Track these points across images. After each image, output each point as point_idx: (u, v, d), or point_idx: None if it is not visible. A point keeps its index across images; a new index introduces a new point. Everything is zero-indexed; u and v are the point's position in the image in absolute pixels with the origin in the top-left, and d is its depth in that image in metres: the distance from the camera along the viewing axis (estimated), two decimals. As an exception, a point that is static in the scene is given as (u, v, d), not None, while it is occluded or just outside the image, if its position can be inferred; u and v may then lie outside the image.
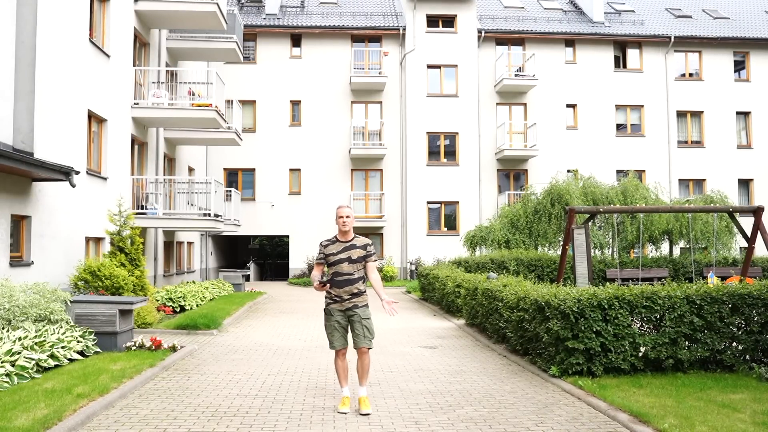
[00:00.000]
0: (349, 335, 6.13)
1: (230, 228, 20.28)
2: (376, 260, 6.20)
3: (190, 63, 20.89)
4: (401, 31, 26.33)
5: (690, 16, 29.41)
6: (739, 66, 28.32)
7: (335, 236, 6.13)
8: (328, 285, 5.89)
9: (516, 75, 26.50)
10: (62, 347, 7.91)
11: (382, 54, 26.04)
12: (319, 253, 6.16)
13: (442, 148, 26.44)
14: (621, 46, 27.91)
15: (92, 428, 5.53)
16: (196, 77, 19.30)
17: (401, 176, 26.25)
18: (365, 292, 6.11)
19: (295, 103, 26.38)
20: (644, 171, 26.99)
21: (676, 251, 22.29)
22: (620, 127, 27.66)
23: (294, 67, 26.30)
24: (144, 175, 16.89)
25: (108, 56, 14.02)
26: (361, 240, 6.13)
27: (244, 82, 25.75)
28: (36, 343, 7.62)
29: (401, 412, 6.07)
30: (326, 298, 6.08)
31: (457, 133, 26.30)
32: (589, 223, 14.58)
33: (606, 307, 7.35)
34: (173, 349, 9.10)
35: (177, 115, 16.31)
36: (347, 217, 6.02)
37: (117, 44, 14.58)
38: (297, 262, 25.80)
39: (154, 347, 9.01)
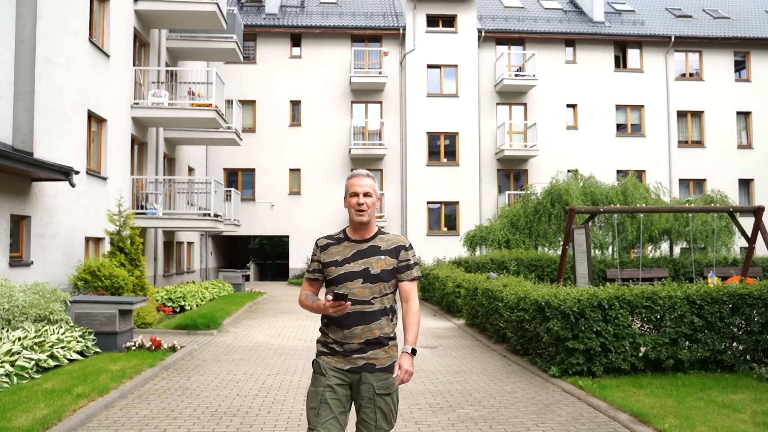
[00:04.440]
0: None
1: (230, 228, 20.27)
2: (419, 277, 3.46)
3: (190, 63, 20.89)
4: (401, 31, 26.32)
5: (690, 16, 29.40)
6: (740, 66, 28.30)
7: (343, 231, 3.43)
8: (348, 303, 3.12)
9: (516, 75, 26.47)
10: (62, 347, 7.90)
11: (382, 54, 26.02)
12: (313, 259, 3.45)
13: (442, 148, 26.42)
14: (621, 46, 27.89)
15: (92, 428, 5.52)
16: (196, 77, 19.28)
17: (401, 176, 26.23)
18: (394, 338, 3.38)
19: (295, 103, 26.37)
20: (644, 171, 26.97)
21: (676, 251, 22.29)
22: (620, 127, 27.64)
23: (294, 67, 26.28)
24: (144, 175, 16.89)
25: (108, 56, 14.01)
26: (391, 239, 3.39)
27: (244, 82, 25.73)
28: (36, 344, 7.61)
29: (401, 412, 6.06)
30: (318, 341, 3.42)
31: (457, 133, 26.28)
32: (589, 223, 14.57)
33: (606, 307, 7.34)
34: (173, 349, 9.09)
35: (177, 115, 16.30)
36: (366, 195, 3.30)
37: (117, 44, 14.57)
38: (297, 262, 25.77)
39: (153, 347, 9.01)
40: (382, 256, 3.31)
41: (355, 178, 3.37)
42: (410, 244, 3.42)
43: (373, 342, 3.26)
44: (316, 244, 3.44)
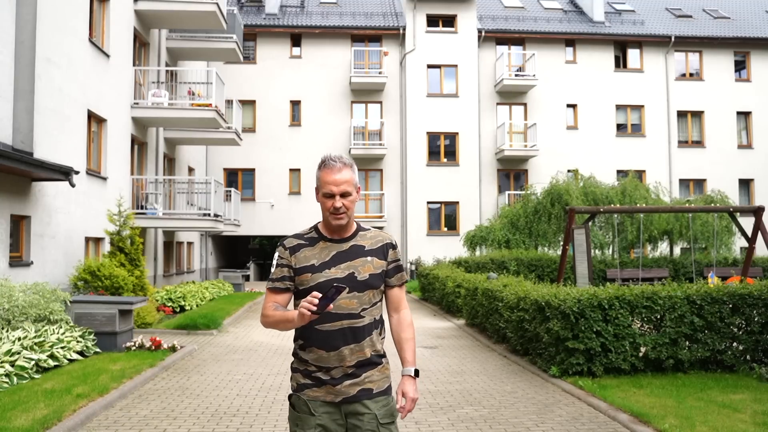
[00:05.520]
0: None
1: (230, 228, 20.27)
2: (406, 282, 3.11)
3: (190, 63, 20.88)
4: (401, 31, 26.32)
5: (690, 16, 29.39)
6: (740, 66, 28.30)
7: (315, 228, 2.78)
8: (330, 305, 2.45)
9: (516, 75, 26.48)
10: (62, 347, 7.90)
11: (382, 54, 26.02)
12: (280, 264, 2.72)
13: (442, 148, 26.42)
14: (621, 46, 27.89)
15: (92, 428, 5.52)
16: (196, 77, 19.28)
17: (401, 176, 26.23)
18: (385, 355, 2.80)
19: (295, 103, 26.36)
20: (644, 171, 26.96)
21: (676, 251, 22.29)
22: (620, 127, 27.64)
23: (294, 67, 26.28)
24: (144, 175, 16.88)
25: (108, 56, 14.01)
26: (375, 236, 2.79)
27: (244, 82, 25.72)
28: (36, 344, 7.61)
29: (401, 413, 6.06)
30: (294, 370, 2.81)
31: (457, 133, 26.28)
32: (589, 223, 14.57)
33: (606, 307, 7.34)
34: (173, 349, 9.09)
35: (177, 115, 16.31)
36: (343, 195, 2.65)
37: (117, 44, 14.57)
38: (297, 262, 25.75)
39: (153, 347, 9.01)
40: (369, 258, 2.70)
41: (329, 171, 2.63)
42: (396, 242, 2.83)
43: (365, 363, 2.67)
44: (283, 246, 2.73)
